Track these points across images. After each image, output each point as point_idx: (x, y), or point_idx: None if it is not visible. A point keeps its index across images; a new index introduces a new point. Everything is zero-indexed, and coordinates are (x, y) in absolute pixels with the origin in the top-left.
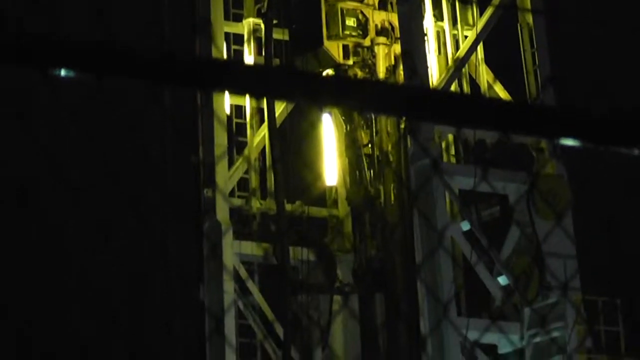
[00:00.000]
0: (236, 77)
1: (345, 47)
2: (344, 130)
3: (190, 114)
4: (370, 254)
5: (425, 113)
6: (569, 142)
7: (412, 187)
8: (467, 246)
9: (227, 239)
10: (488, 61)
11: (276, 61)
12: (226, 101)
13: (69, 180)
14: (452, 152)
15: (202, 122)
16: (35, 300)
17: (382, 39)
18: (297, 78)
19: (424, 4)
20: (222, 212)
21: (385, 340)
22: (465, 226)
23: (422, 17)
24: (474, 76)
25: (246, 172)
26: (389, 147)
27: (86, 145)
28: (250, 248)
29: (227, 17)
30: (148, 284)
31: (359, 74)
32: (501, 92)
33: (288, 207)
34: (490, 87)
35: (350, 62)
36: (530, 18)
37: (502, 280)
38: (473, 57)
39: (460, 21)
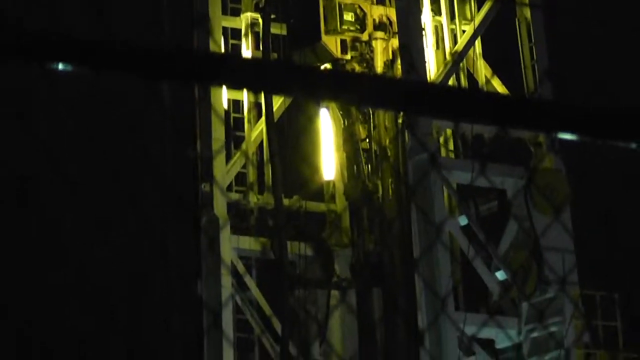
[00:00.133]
0: (234, 70)
1: (343, 42)
2: (342, 125)
3: (188, 109)
4: (368, 248)
5: (423, 107)
6: (566, 136)
7: (409, 182)
8: (465, 241)
9: (225, 233)
10: (486, 56)
11: (274, 56)
12: (224, 96)
13: (66, 175)
14: (450, 147)
15: (199, 116)
16: (33, 296)
17: (380, 34)
18: (295, 72)
19: None
20: (219, 207)
21: (382, 334)
22: (463, 221)
23: (420, 12)
24: (471, 71)
25: (244, 166)
26: (387, 142)
27: (84, 140)
28: (248, 243)
29: (225, 12)
30: (146, 280)
31: (357, 68)
32: (499, 86)
33: (285, 201)
34: (487, 81)
35: (348, 56)
36: (528, 12)
37: (500, 275)
38: (471, 51)
39: (458, 16)
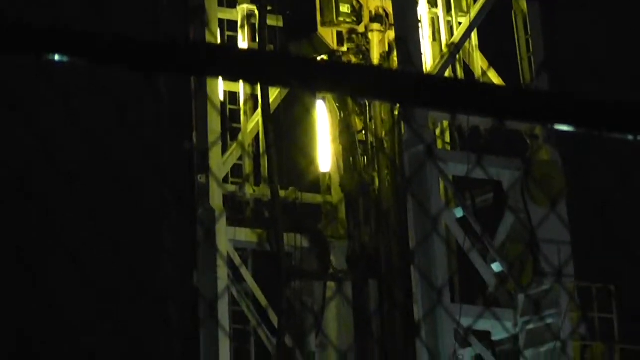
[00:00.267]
0: (230, 61)
1: (339, 34)
2: (338, 117)
3: (184, 101)
4: (364, 240)
5: (420, 99)
6: (563, 127)
7: (406, 174)
8: (461, 233)
9: (221, 225)
10: (482, 48)
11: (270, 48)
12: (220, 88)
13: (60, 166)
14: (447, 139)
15: (196, 108)
16: (27, 286)
17: (376, 26)
18: (291, 63)
19: None
20: (215, 198)
21: (378, 326)
22: (459, 213)
23: (416, 4)
24: (468, 63)
25: (240, 158)
26: (383, 134)
27: (77, 131)
28: (244, 234)
29: (221, 4)
30: (142, 271)
31: (353, 60)
32: (495, 78)
33: (282, 193)
34: (484, 73)
35: (345, 48)
36: (524, 5)
37: (496, 267)
38: (467, 43)
39: (455, 8)
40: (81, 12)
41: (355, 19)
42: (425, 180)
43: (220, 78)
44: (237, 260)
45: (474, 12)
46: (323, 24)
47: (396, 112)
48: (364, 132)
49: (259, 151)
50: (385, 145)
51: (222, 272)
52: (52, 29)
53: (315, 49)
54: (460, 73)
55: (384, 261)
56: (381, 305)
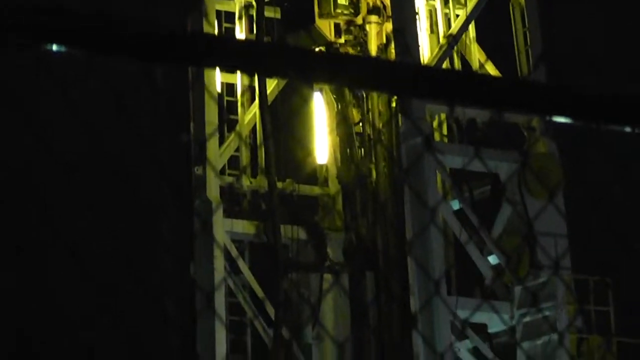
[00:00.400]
0: (227, 52)
1: (337, 26)
2: (335, 108)
3: (181, 92)
4: (361, 232)
5: (417, 90)
6: (560, 119)
7: (403, 166)
8: (458, 225)
9: (218, 216)
10: (480, 40)
11: (268, 39)
12: (217, 79)
13: (58, 158)
14: (444, 131)
15: (193, 99)
16: (25, 280)
17: (373, 18)
18: (289, 53)
19: None
20: (212, 190)
21: (375, 318)
22: (456, 205)
23: None
24: (465, 55)
25: (237, 149)
26: (380, 125)
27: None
28: (241, 226)
29: None
30: (139, 263)
31: (351, 52)
32: (492, 71)
33: (278, 184)
34: (481, 66)
35: (342, 40)
36: None
37: (493, 259)
38: (464, 36)
39: (452, 0)
40: (79, 3)
41: (352, 11)
42: (422, 172)
43: (218, 69)
44: (234, 251)
45: (471, 4)
46: (320, 16)
47: (393, 104)
48: (361, 124)
49: (256, 143)
50: (383, 137)
51: (219, 263)
52: (50, 20)
53: (312, 40)
54: (457, 65)
55: (381, 253)
56: (378, 297)
